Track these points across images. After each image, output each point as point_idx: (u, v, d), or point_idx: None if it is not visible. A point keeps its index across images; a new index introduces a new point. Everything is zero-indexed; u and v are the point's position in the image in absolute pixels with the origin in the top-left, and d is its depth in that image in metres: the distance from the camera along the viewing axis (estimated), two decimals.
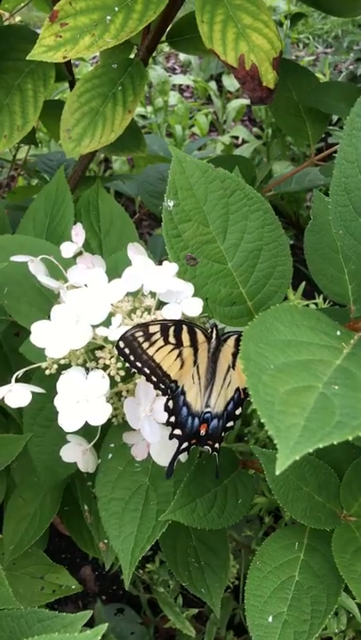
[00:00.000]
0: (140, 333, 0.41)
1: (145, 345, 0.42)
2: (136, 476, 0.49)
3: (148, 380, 0.42)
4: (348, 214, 0.39)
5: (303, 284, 1.25)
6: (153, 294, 0.46)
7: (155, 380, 0.42)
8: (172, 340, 0.43)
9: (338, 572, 0.43)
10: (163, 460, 0.45)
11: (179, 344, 0.43)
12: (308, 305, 1.25)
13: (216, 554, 0.58)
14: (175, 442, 0.44)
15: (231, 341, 0.45)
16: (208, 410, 0.44)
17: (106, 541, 0.59)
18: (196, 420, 0.44)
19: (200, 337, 0.44)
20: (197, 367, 0.44)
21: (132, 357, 0.41)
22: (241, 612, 0.94)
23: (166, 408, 0.43)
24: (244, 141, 1.88)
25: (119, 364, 0.45)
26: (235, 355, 0.44)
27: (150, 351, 0.42)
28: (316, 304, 1.25)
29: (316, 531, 0.46)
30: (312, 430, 0.26)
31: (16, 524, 0.60)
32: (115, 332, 0.42)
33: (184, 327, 0.43)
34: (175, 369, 0.43)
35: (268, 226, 0.46)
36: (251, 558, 0.93)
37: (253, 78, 0.54)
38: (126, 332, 0.41)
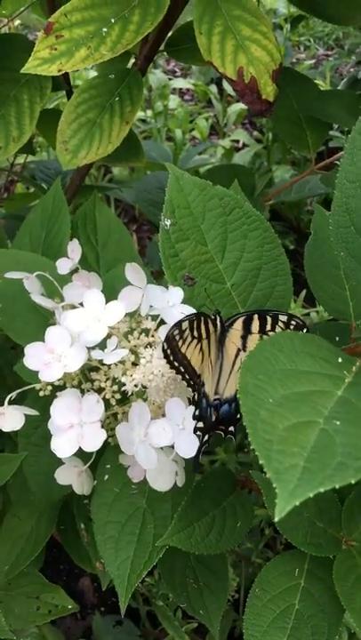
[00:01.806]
0: (177, 332, 0.41)
1: (180, 343, 0.41)
2: (133, 499, 0.48)
3: (183, 379, 0.42)
4: (350, 236, 0.38)
5: (304, 291, 1.25)
6: (153, 317, 0.45)
7: (188, 377, 0.42)
8: (195, 334, 0.42)
9: (339, 601, 0.42)
10: (160, 484, 0.44)
11: (200, 337, 0.42)
12: (308, 314, 1.25)
13: (215, 575, 0.57)
14: (172, 466, 0.43)
15: (238, 324, 0.44)
16: (217, 397, 0.44)
17: (103, 561, 0.58)
18: (211, 410, 0.43)
19: (211, 327, 0.44)
20: (210, 357, 0.44)
21: (171, 358, 0.41)
22: (241, 624, 0.93)
23: (193, 402, 0.42)
24: (244, 145, 1.87)
25: (115, 387, 0.44)
26: (244, 337, 0.44)
27: (183, 349, 0.41)
28: (317, 312, 1.24)
29: (317, 556, 0.45)
30: (312, 472, 0.25)
31: (12, 543, 0.59)
32: (110, 356, 0.41)
33: (202, 319, 0.43)
34: (198, 363, 0.42)
35: (267, 244, 0.45)
36: (251, 570, 0.92)
37: (252, 91, 0.53)
38: (168, 332, 0.40)
